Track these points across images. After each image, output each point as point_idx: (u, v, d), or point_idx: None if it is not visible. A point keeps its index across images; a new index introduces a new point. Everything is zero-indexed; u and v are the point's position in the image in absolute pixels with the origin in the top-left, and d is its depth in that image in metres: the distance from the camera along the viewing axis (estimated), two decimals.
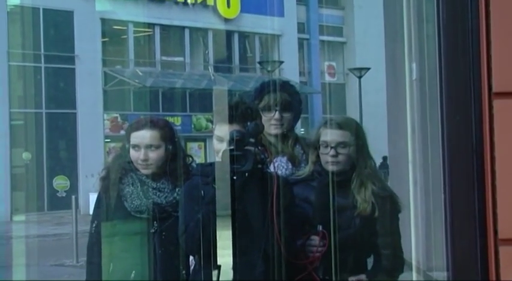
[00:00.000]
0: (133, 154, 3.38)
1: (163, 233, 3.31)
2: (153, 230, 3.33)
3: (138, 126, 3.41)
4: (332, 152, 3.19)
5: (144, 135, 3.37)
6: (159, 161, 3.36)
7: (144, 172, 3.37)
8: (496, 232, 1.99)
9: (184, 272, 3.28)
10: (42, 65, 21.76)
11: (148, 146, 3.35)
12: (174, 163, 3.39)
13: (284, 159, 3.49)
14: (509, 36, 2.02)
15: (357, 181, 3.19)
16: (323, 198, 3.16)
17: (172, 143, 3.41)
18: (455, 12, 2.08)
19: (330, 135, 3.21)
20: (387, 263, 3.20)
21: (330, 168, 3.20)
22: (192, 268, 3.22)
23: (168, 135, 3.41)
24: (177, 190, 3.35)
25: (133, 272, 3.33)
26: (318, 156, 3.26)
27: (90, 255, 3.47)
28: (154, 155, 3.36)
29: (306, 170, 3.30)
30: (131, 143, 3.38)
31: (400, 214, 3.23)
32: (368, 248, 3.22)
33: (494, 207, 1.99)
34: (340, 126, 3.24)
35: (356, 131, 3.25)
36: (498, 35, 2.02)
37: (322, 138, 3.23)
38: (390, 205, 3.21)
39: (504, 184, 1.98)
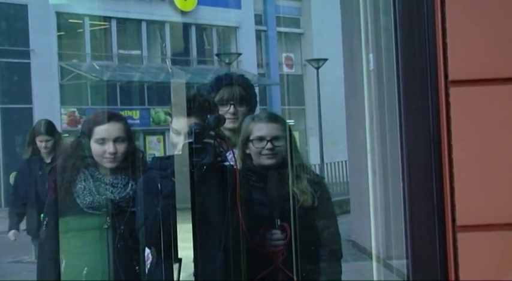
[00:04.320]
0: (97, 148, 3.33)
1: (117, 229, 3.29)
2: (106, 226, 3.31)
3: (102, 120, 3.37)
4: (269, 145, 3.22)
5: (111, 128, 3.34)
6: (125, 154, 3.35)
7: (109, 165, 3.34)
8: (454, 220, 2.00)
9: (137, 267, 3.27)
10: None
11: (116, 139, 3.33)
12: (130, 158, 3.38)
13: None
14: (464, 24, 2.03)
15: (292, 174, 3.24)
16: (269, 192, 3.20)
17: (131, 136, 3.41)
18: (411, 1, 2.09)
19: (265, 129, 3.24)
20: (332, 243, 3.31)
21: (268, 162, 3.23)
22: (149, 262, 3.20)
23: (129, 128, 3.43)
24: (130, 185, 3.34)
25: (85, 269, 3.30)
26: (245, 153, 3.27)
27: (40, 253, 3.46)
28: (121, 147, 3.34)
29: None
30: (96, 137, 3.34)
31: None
32: (316, 233, 3.28)
33: (452, 195, 2.00)
34: (272, 119, 3.29)
35: (284, 125, 3.31)
36: (453, 23, 2.03)
37: (257, 133, 3.25)
38: (324, 189, 3.36)
39: (461, 172, 1.99)
